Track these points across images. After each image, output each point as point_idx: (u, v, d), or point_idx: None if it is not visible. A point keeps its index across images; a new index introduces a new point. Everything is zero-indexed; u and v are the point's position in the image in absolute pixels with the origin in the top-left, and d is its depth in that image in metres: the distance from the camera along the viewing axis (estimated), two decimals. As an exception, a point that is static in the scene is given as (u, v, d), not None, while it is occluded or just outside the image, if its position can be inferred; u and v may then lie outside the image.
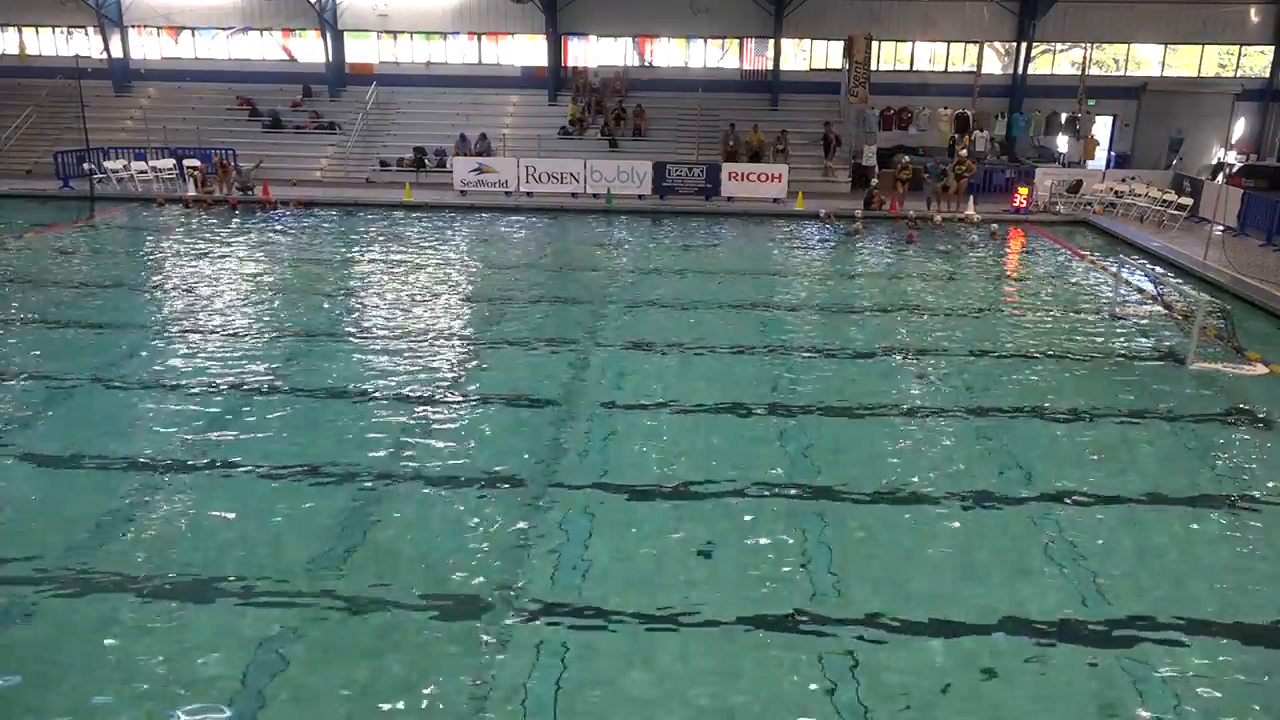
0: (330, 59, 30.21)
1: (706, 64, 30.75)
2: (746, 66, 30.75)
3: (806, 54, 30.82)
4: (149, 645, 5.53)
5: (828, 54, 30.36)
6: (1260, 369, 10.97)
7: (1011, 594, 6.21)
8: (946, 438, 8.88)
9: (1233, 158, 28.47)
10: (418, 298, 14.06)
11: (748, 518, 7.23)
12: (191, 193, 23.44)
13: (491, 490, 7.59)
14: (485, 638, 5.63)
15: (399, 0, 30.04)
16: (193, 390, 9.79)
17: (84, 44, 30.91)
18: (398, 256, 17.33)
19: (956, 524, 7.19)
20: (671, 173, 24.31)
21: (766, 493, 7.61)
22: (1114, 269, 16.67)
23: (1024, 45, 29.11)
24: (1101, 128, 29.31)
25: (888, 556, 6.68)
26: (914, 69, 30.39)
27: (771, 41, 29.57)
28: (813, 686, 5.25)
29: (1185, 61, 30.48)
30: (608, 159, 25.37)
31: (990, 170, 26.27)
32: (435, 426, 8.91)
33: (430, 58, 31.14)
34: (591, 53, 30.80)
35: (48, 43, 31.60)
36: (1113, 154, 29.68)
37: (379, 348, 11.41)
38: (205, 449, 8.29)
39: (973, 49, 29.79)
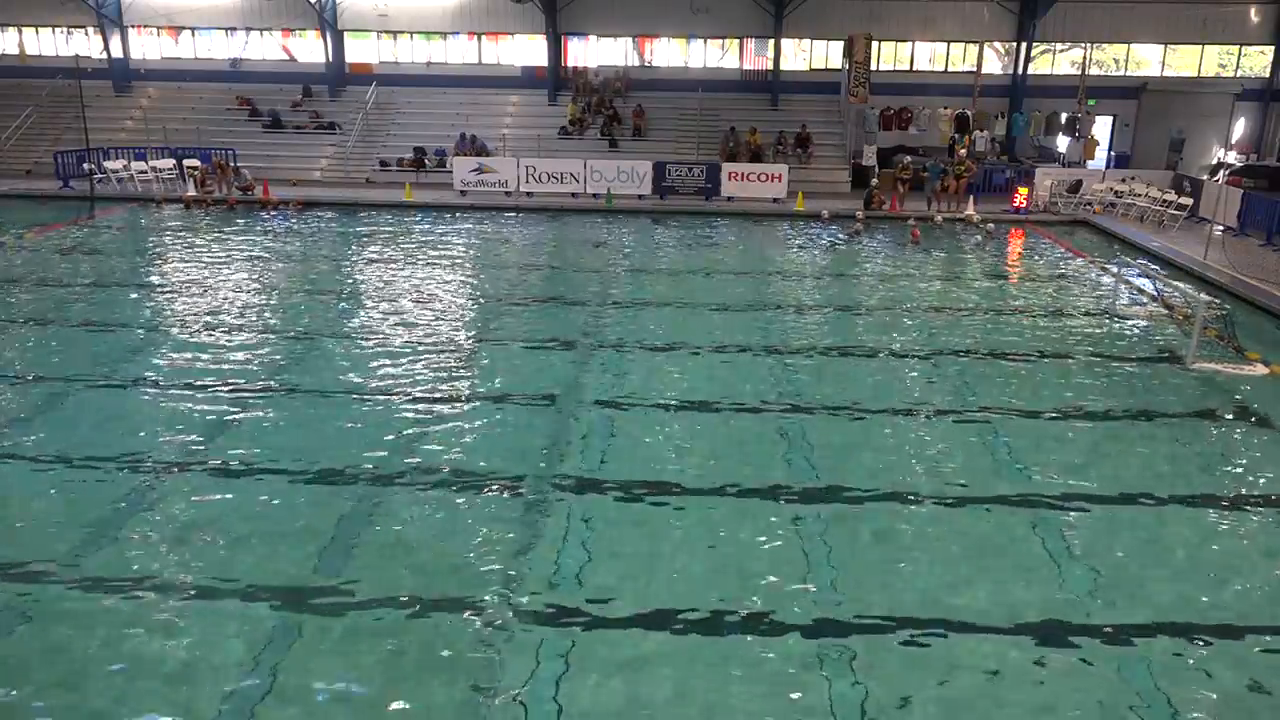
0: (330, 59, 30.20)
1: (706, 64, 30.75)
2: (746, 66, 30.75)
3: (806, 54, 30.82)
4: (149, 645, 5.53)
5: (828, 54, 30.36)
6: (1260, 369, 10.97)
7: (1011, 594, 6.21)
8: (946, 437, 8.88)
9: (1232, 158, 28.47)
10: (418, 298, 14.05)
11: (749, 517, 7.22)
12: (191, 193, 23.44)
13: (492, 490, 7.59)
14: (486, 637, 5.63)
15: (399, 0, 30.03)
16: (193, 390, 9.78)
17: (84, 44, 30.89)
18: (398, 256, 17.32)
19: (956, 524, 7.19)
20: (671, 173, 24.31)
21: (768, 492, 7.60)
22: (1114, 269, 16.67)
23: (1024, 45, 29.10)
24: (1101, 128, 29.30)
25: (888, 556, 6.67)
26: (914, 69, 30.39)
27: (771, 41, 29.56)
28: (813, 687, 5.25)
29: (1185, 61, 30.48)
30: (608, 159, 25.37)
31: (990, 170, 26.25)
32: (435, 426, 8.91)
33: (430, 58, 31.13)
34: (591, 53, 30.80)
35: (48, 43, 31.58)
36: (1113, 154, 29.68)
37: (379, 348, 11.41)
38: (205, 449, 8.29)
39: (973, 49, 29.78)
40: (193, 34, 31.04)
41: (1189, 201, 21.58)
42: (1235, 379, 10.67)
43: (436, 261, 16.94)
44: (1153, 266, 17.14)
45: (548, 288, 15.55)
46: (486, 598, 6.04)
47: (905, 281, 15.79)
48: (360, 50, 31.14)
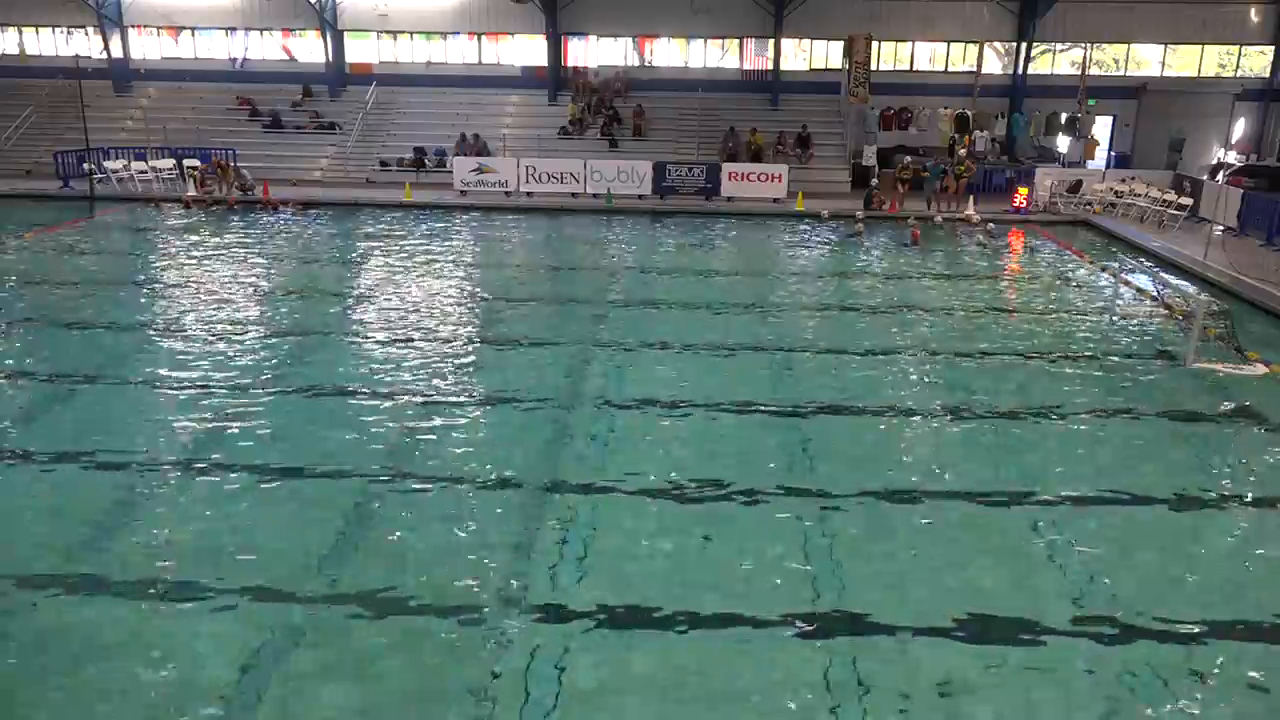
0: (330, 59, 30.20)
1: (706, 64, 30.73)
2: (746, 66, 30.74)
3: (806, 54, 30.81)
4: (148, 646, 5.53)
5: (828, 54, 30.34)
6: (1260, 369, 10.97)
7: (1010, 594, 6.21)
8: (946, 437, 8.88)
9: (1233, 158, 28.45)
10: (418, 298, 14.05)
11: (749, 517, 7.23)
12: (191, 193, 23.44)
13: (492, 490, 7.58)
14: (486, 638, 5.63)
15: (399, 0, 30.03)
16: (193, 390, 9.78)
17: (84, 44, 30.88)
18: (398, 256, 17.32)
19: (956, 524, 7.19)
20: (671, 173, 24.31)
21: (768, 493, 7.60)
22: (1114, 269, 16.66)
23: (1024, 45, 29.10)
24: (1101, 128, 29.27)
25: (888, 556, 6.67)
26: (914, 69, 30.37)
27: (771, 41, 29.54)
28: (812, 686, 5.25)
29: (1185, 61, 30.47)
30: (608, 159, 25.36)
31: (990, 170, 26.23)
32: (435, 427, 8.91)
33: (430, 58, 31.12)
34: (591, 53, 30.79)
35: (48, 43, 31.57)
36: (1113, 154, 29.66)
37: (379, 348, 11.41)
38: (205, 449, 8.28)
39: (973, 49, 29.77)
40: (193, 34, 31.03)
41: (1189, 201, 21.58)
42: (1235, 379, 10.67)
43: (436, 262, 16.93)
44: (1153, 266, 17.15)
45: (548, 288, 15.55)
46: (486, 598, 6.03)
47: (905, 282, 15.78)
48: (360, 50, 31.13)
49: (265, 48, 31.22)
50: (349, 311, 13.40)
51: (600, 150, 27.12)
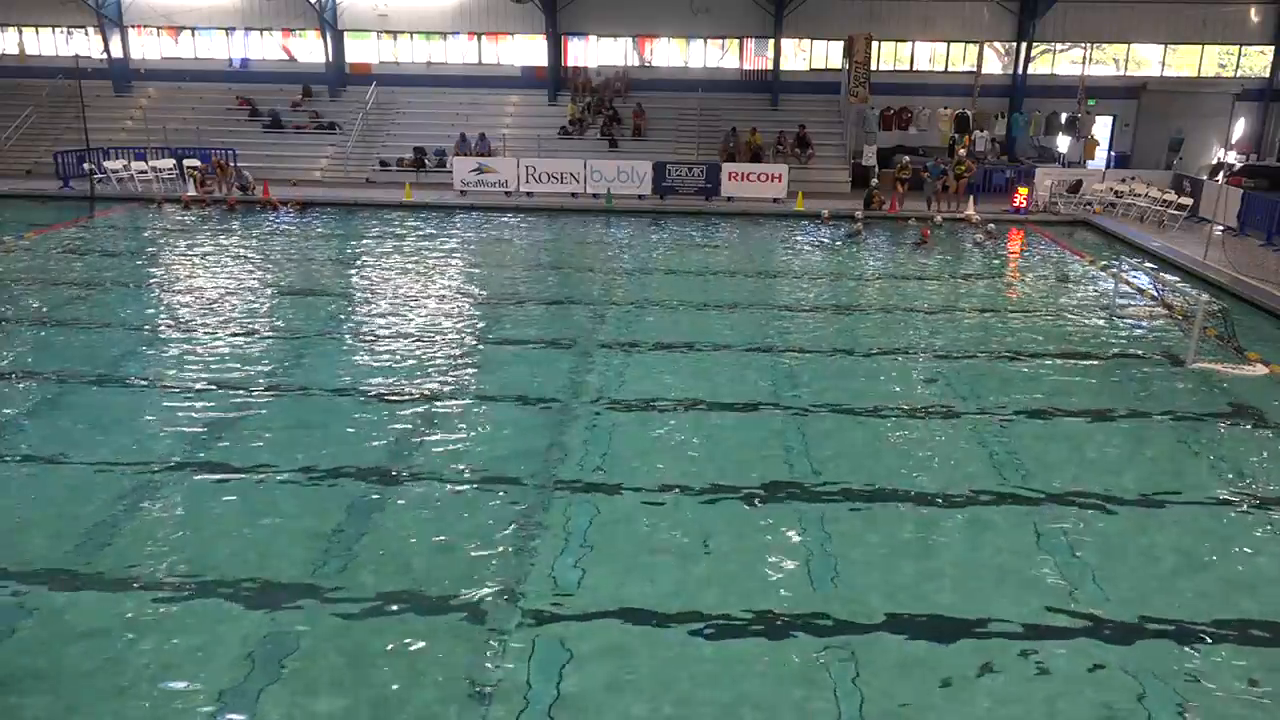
0: (330, 59, 30.21)
1: (706, 64, 30.74)
2: (746, 66, 30.75)
3: (806, 54, 30.81)
4: (147, 646, 5.53)
5: (828, 54, 30.34)
6: (1260, 369, 10.97)
7: (1010, 595, 6.21)
8: (946, 438, 8.88)
9: (1233, 158, 28.45)
10: (417, 298, 14.05)
11: (749, 517, 7.22)
12: (191, 193, 23.44)
13: (492, 490, 7.59)
14: (485, 638, 5.63)
15: (399, 0, 30.04)
16: (192, 390, 9.78)
17: (84, 44, 30.88)
18: (397, 256, 17.32)
19: (956, 525, 7.19)
20: (671, 173, 24.31)
21: (768, 493, 7.60)
22: (1114, 269, 16.66)
23: (1024, 45, 29.10)
24: (1101, 128, 29.28)
25: (889, 557, 6.67)
26: (914, 69, 30.37)
27: (771, 41, 29.55)
28: (813, 687, 5.25)
29: (1185, 61, 30.47)
30: (608, 159, 25.36)
31: (990, 170, 26.24)
32: (435, 426, 8.91)
33: (430, 58, 31.13)
34: (591, 53, 30.79)
35: (48, 43, 31.58)
36: (1113, 154, 29.67)
37: (379, 348, 11.41)
38: (204, 449, 8.28)
39: (973, 49, 29.78)
40: (193, 34, 31.03)
41: (1189, 201, 21.58)
42: (1235, 379, 10.67)
43: (436, 262, 16.93)
44: (1152, 266, 17.14)
45: (548, 288, 15.55)
46: (485, 598, 6.03)
47: (904, 282, 15.78)
48: (360, 50, 31.14)
49: (265, 48, 31.23)
50: (349, 312, 13.39)
51: (600, 150, 27.12)
